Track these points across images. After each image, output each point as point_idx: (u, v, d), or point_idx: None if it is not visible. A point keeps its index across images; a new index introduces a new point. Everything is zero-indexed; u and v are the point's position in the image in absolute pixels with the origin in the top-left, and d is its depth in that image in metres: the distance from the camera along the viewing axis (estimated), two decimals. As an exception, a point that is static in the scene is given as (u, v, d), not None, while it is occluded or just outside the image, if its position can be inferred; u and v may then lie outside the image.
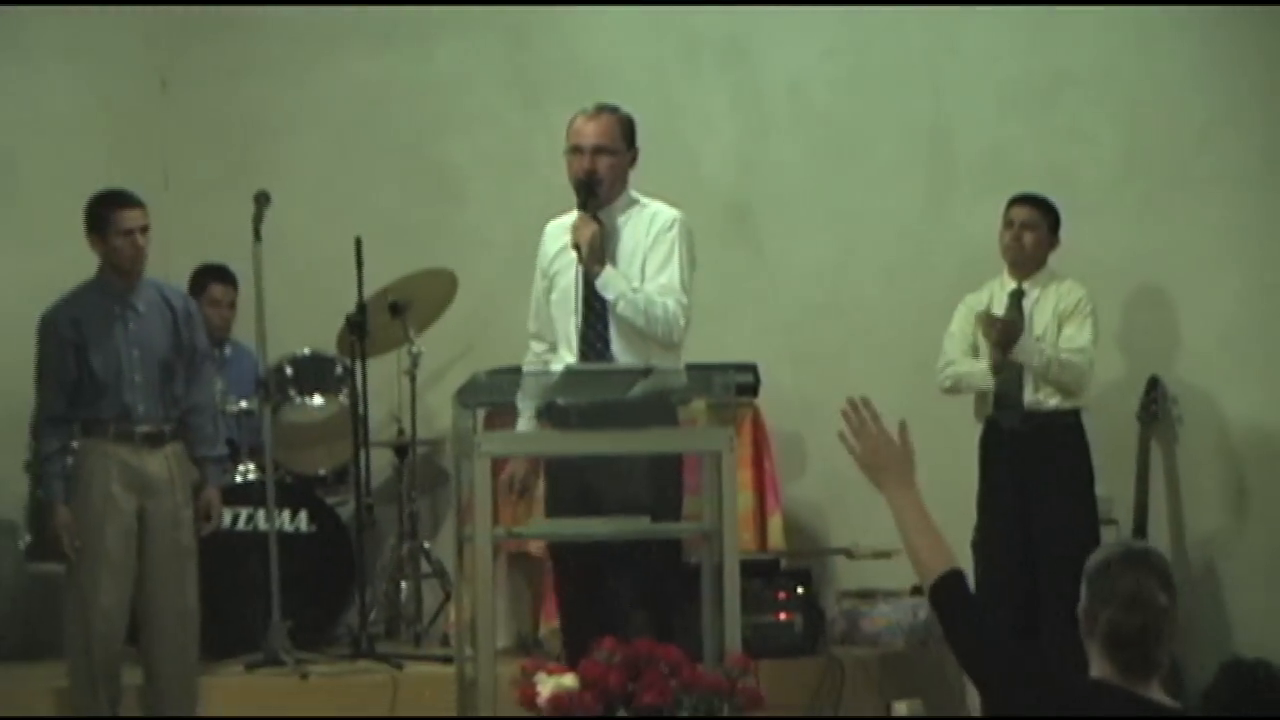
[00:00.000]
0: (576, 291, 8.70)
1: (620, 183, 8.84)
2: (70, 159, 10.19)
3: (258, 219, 9.81)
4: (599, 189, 8.73)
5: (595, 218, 8.68)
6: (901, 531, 5.82)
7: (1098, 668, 5.56)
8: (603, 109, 8.88)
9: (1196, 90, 9.92)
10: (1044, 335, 9.48)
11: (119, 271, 9.19)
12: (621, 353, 8.67)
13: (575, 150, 8.78)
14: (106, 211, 9.17)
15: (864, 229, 10.67)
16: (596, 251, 8.63)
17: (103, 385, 9.08)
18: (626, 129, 8.89)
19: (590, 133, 8.80)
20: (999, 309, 9.57)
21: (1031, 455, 9.55)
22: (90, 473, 9.14)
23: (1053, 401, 9.52)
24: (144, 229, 9.18)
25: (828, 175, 10.83)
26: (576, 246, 8.66)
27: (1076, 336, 9.50)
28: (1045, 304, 9.56)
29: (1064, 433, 9.60)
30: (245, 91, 11.55)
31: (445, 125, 11.38)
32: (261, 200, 9.87)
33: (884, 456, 5.82)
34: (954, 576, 5.64)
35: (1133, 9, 10.07)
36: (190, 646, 9.36)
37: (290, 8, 11.51)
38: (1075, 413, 9.59)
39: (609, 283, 8.67)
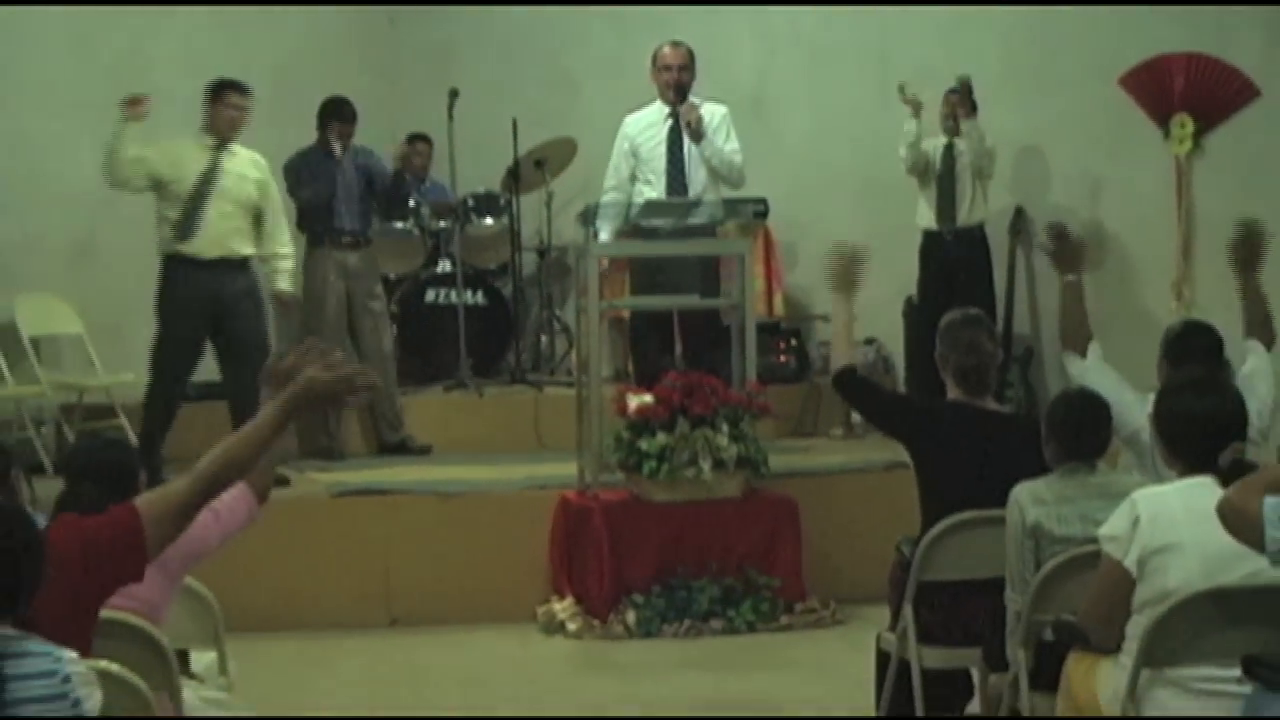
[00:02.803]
0: (667, 152, 8.85)
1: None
2: (333, 72, 10.13)
3: (450, 106, 9.81)
4: (686, 91, 8.78)
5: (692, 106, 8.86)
6: (835, 324, 6.01)
7: (952, 392, 5.68)
8: (679, 43, 8.92)
9: (1046, 26, 9.73)
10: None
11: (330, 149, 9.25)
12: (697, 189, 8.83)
13: (667, 69, 8.87)
14: (333, 114, 9.23)
15: (836, 115, 10.52)
16: (703, 126, 8.78)
17: (321, 210, 9.13)
18: (692, 56, 8.95)
19: (678, 57, 8.91)
20: (938, 156, 9.44)
21: (954, 256, 9.40)
22: (314, 268, 9.24)
23: (973, 217, 9.40)
24: (352, 134, 9.30)
25: (813, 80, 10.68)
26: (688, 124, 8.81)
27: (988, 142, 9.32)
28: (971, 143, 9.37)
29: (974, 242, 9.48)
30: (443, 25, 11.44)
31: (569, 46, 11.29)
32: (453, 95, 9.85)
33: (846, 281, 5.90)
34: (850, 370, 5.91)
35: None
36: (391, 374, 9.44)
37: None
38: (982, 227, 9.47)
39: (709, 145, 8.82)
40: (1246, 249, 5.84)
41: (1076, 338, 5.83)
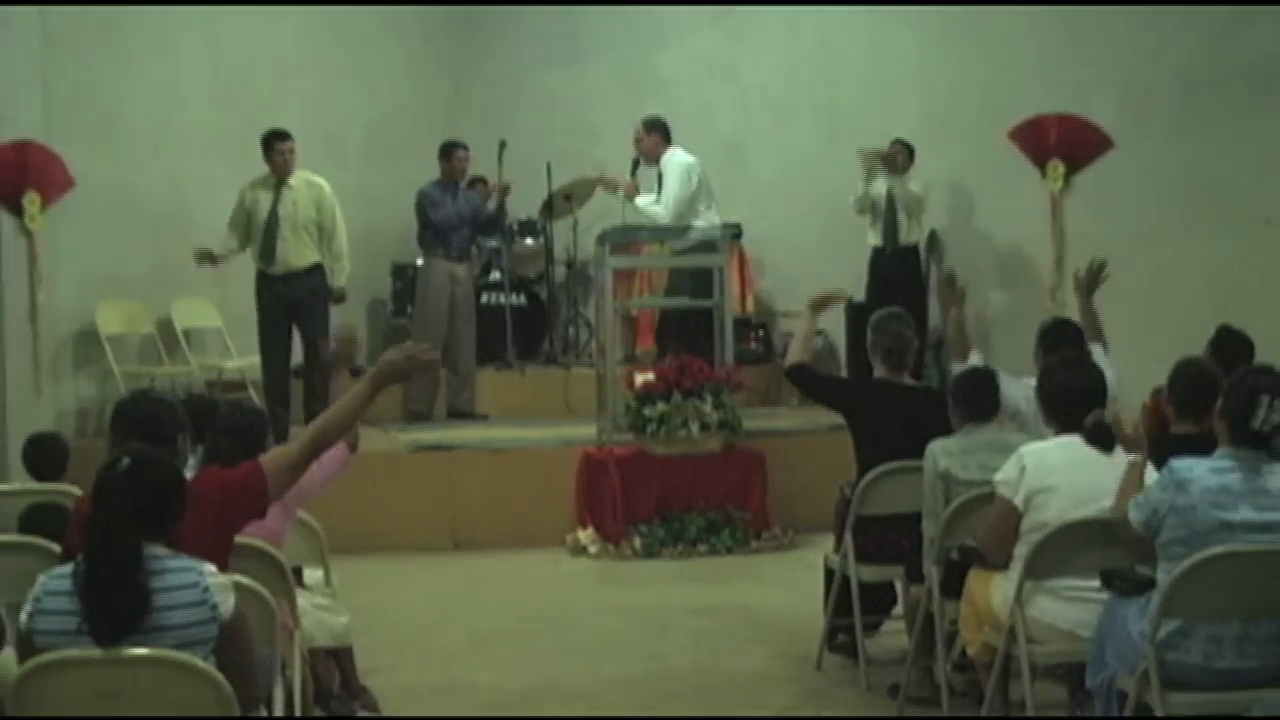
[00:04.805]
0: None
1: (658, 149, 8.73)
2: (411, 127, 10.10)
3: (500, 155, 9.69)
4: (642, 157, 8.78)
5: (634, 174, 8.82)
6: (799, 331, 5.91)
7: (878, 371, 5.63)
8: (638, 122, 8.84)
9: (954, 90, 9.65)
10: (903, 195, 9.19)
11: (453, 178, 9.22)
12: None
13: None
14: (450, 149, 9.23)
15: (796, 158, 10.42)
16: (631, 192, 8.73)
17: (439, 232, 9.06)
18: (646, 125, 8.79)
19: (632, 134, 8.81)
20: (882, 197, 9.23)
21: (894, 268, 9.26)
22: (434, 277, 9.21)
23: (909, 239, 9.29)
24: (469, 157, 9.32)
25: (776, 131, 10.59)
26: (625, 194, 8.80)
27: (914, 190, 9.20)
28: (904, 190, 9.18)
29: (909, 258, 9.34)
30: (494, 92, 11.32)
31: (590, 105, 11.20)
32: (502, 145, 9.73)
33: (821, 306, 5.87)
34: (801, 366, 5.76)
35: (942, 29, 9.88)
36: (473, 357, 9.40)
37: (519, 45, 11.38)
38: (916, 247, 9.37)
39: (635, 206, 8.71)
40: (1090, 279, 5.84)
41: (960, 352, 5.81)
